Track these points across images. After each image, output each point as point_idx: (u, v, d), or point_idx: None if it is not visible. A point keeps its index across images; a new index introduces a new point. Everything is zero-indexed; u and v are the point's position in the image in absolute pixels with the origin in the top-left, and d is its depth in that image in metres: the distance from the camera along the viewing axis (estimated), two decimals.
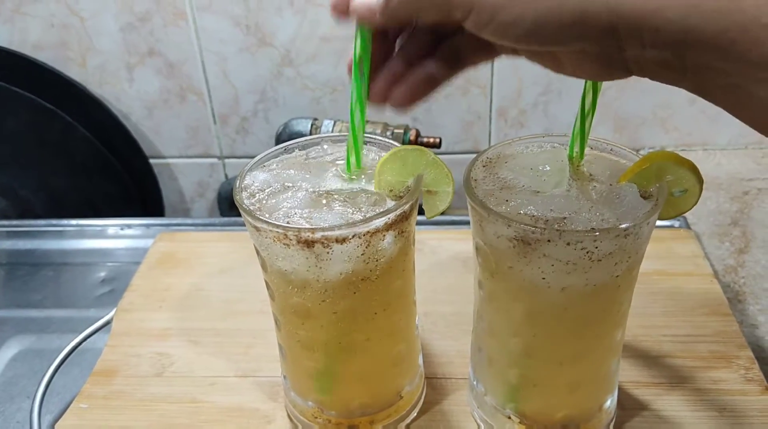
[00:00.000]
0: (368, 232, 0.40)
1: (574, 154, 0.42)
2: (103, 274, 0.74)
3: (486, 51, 0.38)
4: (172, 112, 0.91)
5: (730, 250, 0.74)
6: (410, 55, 0.39)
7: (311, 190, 0.43)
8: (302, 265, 0.41)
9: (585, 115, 0.41)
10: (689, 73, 0.30)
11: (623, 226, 0.38)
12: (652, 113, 0.89)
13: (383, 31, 0.39)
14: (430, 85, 0.39)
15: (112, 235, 0.80)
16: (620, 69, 0.33)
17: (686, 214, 0.76)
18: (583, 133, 0.42)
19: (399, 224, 0.42)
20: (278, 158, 0.47)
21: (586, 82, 0.40)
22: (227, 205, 0.93)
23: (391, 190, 0.43)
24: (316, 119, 0.83)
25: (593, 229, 0.38)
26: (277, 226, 0.40)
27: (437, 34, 0.39)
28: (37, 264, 0.76)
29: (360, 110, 0.40)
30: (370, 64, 0.38)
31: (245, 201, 0.43)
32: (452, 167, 0.44)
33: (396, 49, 0.40)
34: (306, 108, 0.90)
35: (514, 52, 0.36)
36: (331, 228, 0.39)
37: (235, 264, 0.69)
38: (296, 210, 0.42)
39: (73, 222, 0.81)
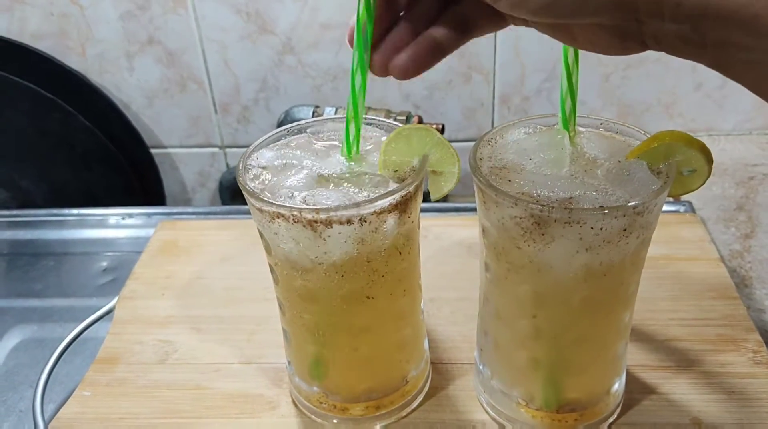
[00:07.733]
0: (373, 212, 0.40)
1: (567, 116, 0.42)
2: (104, 263, 0.74)
3: (495, 20, 0.36)
4: (173, 101, 0.91)
5: (736, 235, 0.73)
6: (416, 21, 0.37)
7: (315, 171, 0.43)
8: (306, 247, 0.41)
9: (570, 71, 0.40)
10: (709, 47, 0.29)
11: (632, 203, 0.38)
12: (656, 99, 0.88)
13: None
14: (435, 54, 0.37)
15: (113, 225, 0.79)
16: (636, 42, 0.32)
17: (692, 200, 0.76)
18: (572, 91, 0.41)
19: (404, 205, 0.41)
20: (282, 140, 0.47)
21: None
22: (229, 195, 0.92)
23: (395, 171, 0.42)
24: (317, 107, 0.82)
25: (602, 207, 0.38)
26: (281, 207, 0.39)
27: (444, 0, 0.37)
28: (38, 254, 0.76)
29: (362, 75, 0.38)
30: (373, 31, 0.37)
31: (248, 182, 0.42)
32: None
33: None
34: (307, 96, 0.89)
35: (525, 22, 0.35)
36: (335, 208, 0.39)
37: (237, 252, 0.68)
38: (300, 191, 0.41)
39: (74, 211, 0.80)
